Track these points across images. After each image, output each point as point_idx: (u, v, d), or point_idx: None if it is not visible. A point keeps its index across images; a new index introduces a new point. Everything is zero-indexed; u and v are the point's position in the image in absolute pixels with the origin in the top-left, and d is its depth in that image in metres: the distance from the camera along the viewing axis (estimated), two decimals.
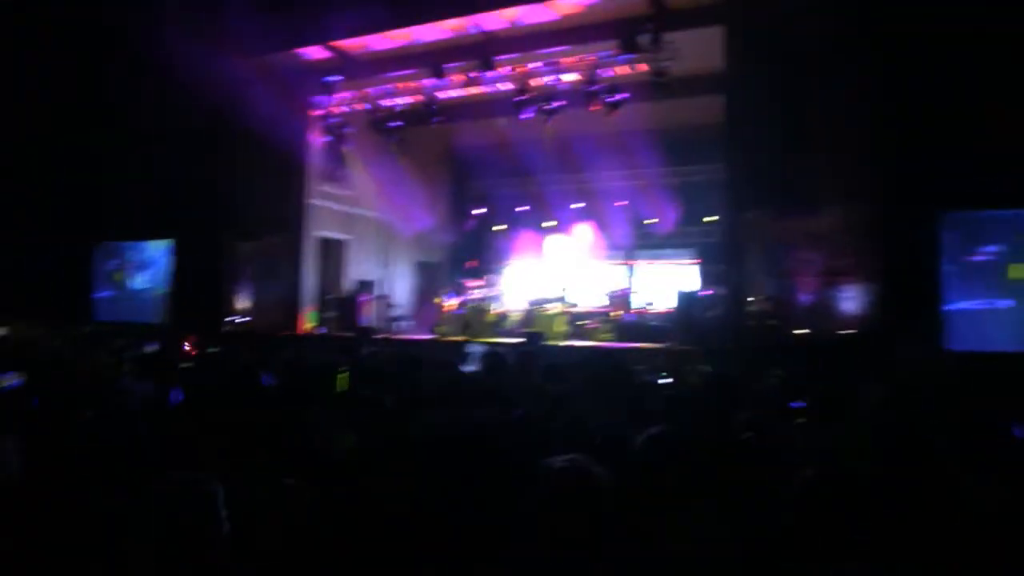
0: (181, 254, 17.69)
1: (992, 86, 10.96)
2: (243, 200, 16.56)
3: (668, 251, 18.76)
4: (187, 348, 10.33)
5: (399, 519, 2.82)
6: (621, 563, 2.23)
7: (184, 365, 7.82)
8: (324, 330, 16.40)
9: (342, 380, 5.89)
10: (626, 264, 18.99)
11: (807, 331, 12.18)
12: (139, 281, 18.55)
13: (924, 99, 11.28)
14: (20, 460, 2.97)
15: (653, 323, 15.28)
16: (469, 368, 8.06)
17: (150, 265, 18.42)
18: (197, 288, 16.90)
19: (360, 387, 5.60)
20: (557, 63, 14.62)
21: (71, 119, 17.01)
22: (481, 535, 2.53)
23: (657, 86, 13.79)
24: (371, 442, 3.86)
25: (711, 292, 15.04)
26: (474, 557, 2.48)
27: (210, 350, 9.64)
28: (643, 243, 18.83)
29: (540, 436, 3.89)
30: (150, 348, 8.47)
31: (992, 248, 11.55)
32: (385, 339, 14.16)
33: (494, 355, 5.72)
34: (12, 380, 5.14)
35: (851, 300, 12.12)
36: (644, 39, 13.36)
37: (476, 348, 10.62)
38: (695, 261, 18.03)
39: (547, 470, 2.27)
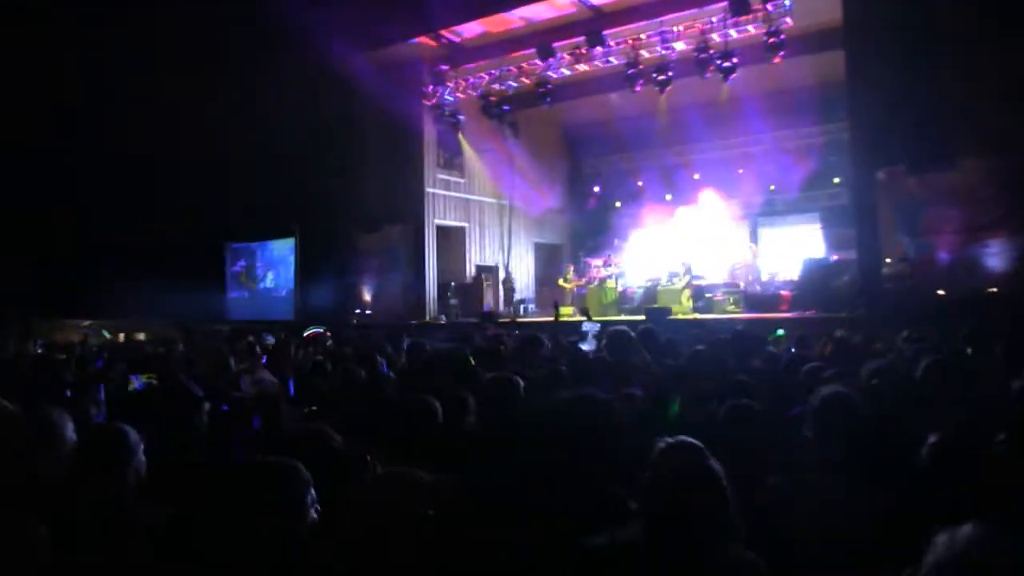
0: (306, 250, 18.25)
1: None
2: (363, 193, 16.94)
3: (793, 217, 18.09)
4: (313, 338, 10.61)
5: (513, 500, 2.78)
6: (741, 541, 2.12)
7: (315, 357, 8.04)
8: (443, 318, 16.59)
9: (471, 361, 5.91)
10: (750, 233, 18.42)
11: (947, 292, 11.53)
12: (269, 279, 19.24)
13: None
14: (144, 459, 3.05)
15: (781, 292, 14.78)
16: (587, 346, 7.99)
17: (278, 263, 19.10)
18: (324, 283, 17.39)
19: (481, 370, 5.62)
20: (667, 32, 14.26)
21: (196, 122, 17.64)
22: (591, 516, 2.46)
23: (772, 46, 13.28)
24: (493, 424, 3.86)
25: (839, 257, 14.47)
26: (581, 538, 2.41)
27: (328, 344, 9.86)
28: (766, 210, 18.24)
29: (656, 414, 3.78)
30: (269, 341, 8.75)
31: None
32: (508, 322, 14.23)
33: (616, 333, 5.61)
34: (138, 383, 5.39)
35: (996, 256, 11.39)
36: None
37: (592, 326, 10.52)
38: (820, 226, 17.32)
39: (654, 453, 2.19)
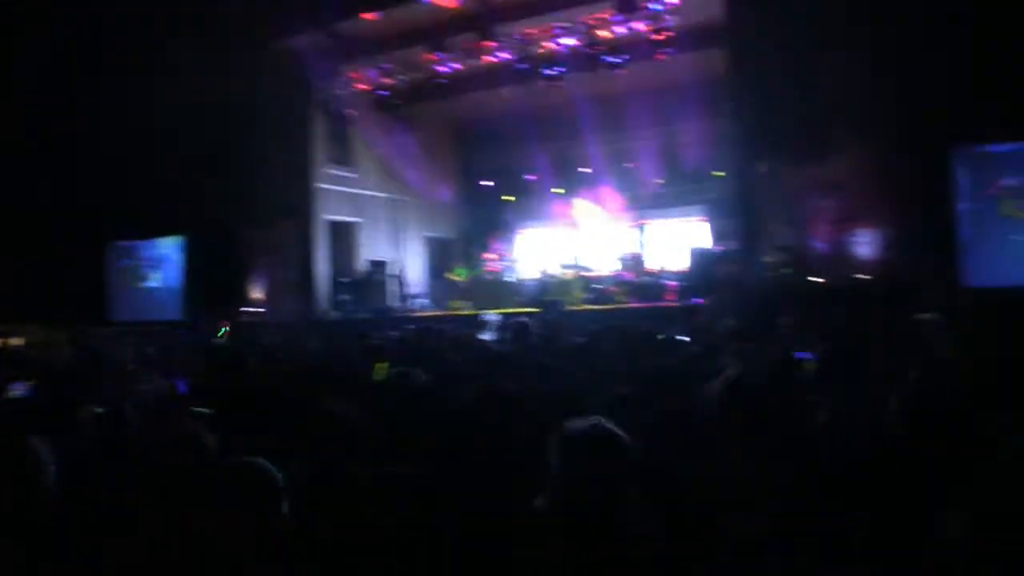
0: (194, 248, 17.75)
1: (996, 14, 10.79)
2: (253, 189, 16.55)
3: (679, 209, 18.62)
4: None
5: (430, 496, 2.84)
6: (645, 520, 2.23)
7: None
8: (336, 315, 16.41)
9: (380, 369, 5.89)
10: (638, 225, 18.88)
11: (823, 279, 12.14)
12: (154, 279, 18.62)
13: (928, 33, 11.13)
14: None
15: (669, 282, 15.25)
16: (486, 336, 8.08)
17: (163, 262, 18.49)
18: (212, 280, 16.95)
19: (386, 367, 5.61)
20: (557, 28, 14.46)
21: (76, 119, 16.96)
22: (513, 505, 2.54)
23: (658, 43, 13.66)
24: (401, 421, 3.88)
25: (724, 247, 15.00)
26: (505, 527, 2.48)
27: (216, 339, 9.66)
28: (653, 203, 18.70)
29: (567, 404, 3.90)
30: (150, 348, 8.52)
31: (1008, 182, 11.46)
32: (401, 318, 14.21)
33: (519, 324, 5.72)
34: (20, 390, 5.16)
35: (866, 245, 12.07)
36: None
37: (492, 317, 10.63)
38: (705, 218, 17.91)
39: (566, 434, 2.26)
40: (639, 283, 15.56)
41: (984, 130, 11.19)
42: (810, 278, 12.31)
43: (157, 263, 18.59)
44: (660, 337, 6.24)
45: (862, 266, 12.07)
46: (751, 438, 2.76)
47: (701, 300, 12.90)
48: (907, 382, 2.92)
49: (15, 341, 15.02)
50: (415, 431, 3.61)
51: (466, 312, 15.52)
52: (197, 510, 2.26)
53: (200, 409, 4.69)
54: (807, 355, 4.38)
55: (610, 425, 2.30)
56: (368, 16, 14.89)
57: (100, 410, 3.94)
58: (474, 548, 2.49)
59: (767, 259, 12.75)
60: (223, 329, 8.43)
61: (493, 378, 4.35)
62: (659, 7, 13.29)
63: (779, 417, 2.93)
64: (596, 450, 2.22)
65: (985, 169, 11.63)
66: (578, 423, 2.32)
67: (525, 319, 5.74)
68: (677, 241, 17.57)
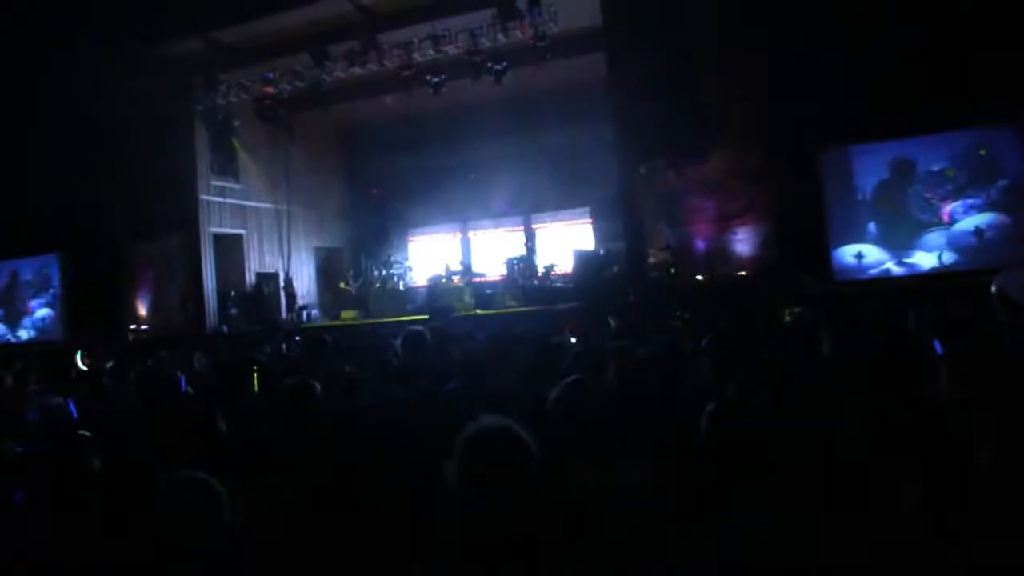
0: (73, 264, 17.06)
1: (860, 15, 11.41)
2: (135, 201, 15.95)
3: (564, 212, 18.92)
4: (84, 361, 9.99)
5: (329, 505, 2.89)
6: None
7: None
8: (225, 329, 16.06)
9: (256, 378, 5.85)
10: (524, 229, 19.12)
11: (705, 277, 12.60)
12: (32, 298, 17.83)
13: (798, 36, 11.69)
14: None
15: (557, 285, 15.49)
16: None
17: (42, 280, 17.72)
18: (94, 298, 16.33)
19: (279, 379, 5.59)
20: (439, 36, 14.53)
21: None
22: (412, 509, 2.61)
23: (539, 50, 13.90)
24: (296, 430, 3.89)
25: (608, 248, 15.33)
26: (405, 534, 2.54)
27: (108, 365, 9.32)
28: (539, 207, 18.94)
29: (461, 409, 3.98)
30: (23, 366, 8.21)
31: (869, 180, 12.19)
32: (292, 329, 14.03)
33: (413, 333, 5.75)
34: None
35: (743, 243, 12.60)
36: (522, 3, 13.44)
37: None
38: (589, 220, 18.28)
39: (467, 434, 2.27)
40: (528, 286, 15.75)
41: (849, 131, 11.87)
42: (694, 276, 12.77)
43: (36, 283, 17.79)
44: (553, 341, 6.38)
45: (741, 263, 12.60)
46: (635, 433, 2.89)
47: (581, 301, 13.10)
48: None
49: None
50: (315, 441, 3.63)
51: (357, 321, 15.46)
52: (138, 525, 2.27)
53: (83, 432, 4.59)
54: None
55: (512, 425, 2.30)
56: (250, 24, 14.66)
57: None
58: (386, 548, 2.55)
59: (651, 259, 13.12)
60: (80, 353, 8.12)
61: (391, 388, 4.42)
62: (538, 14, 13.47)
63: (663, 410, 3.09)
64: (497, 449, 2.22)
65: (851, 167, 12.34)
66: (480, 423, 2.31)
67: (420, 328, 5.78)
68: (565, 243, 17.87)
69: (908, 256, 11.85)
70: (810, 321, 6.41)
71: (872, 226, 12.11)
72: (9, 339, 17.71)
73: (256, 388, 5.60)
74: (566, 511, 2.41)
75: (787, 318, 6.81)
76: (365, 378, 5.11)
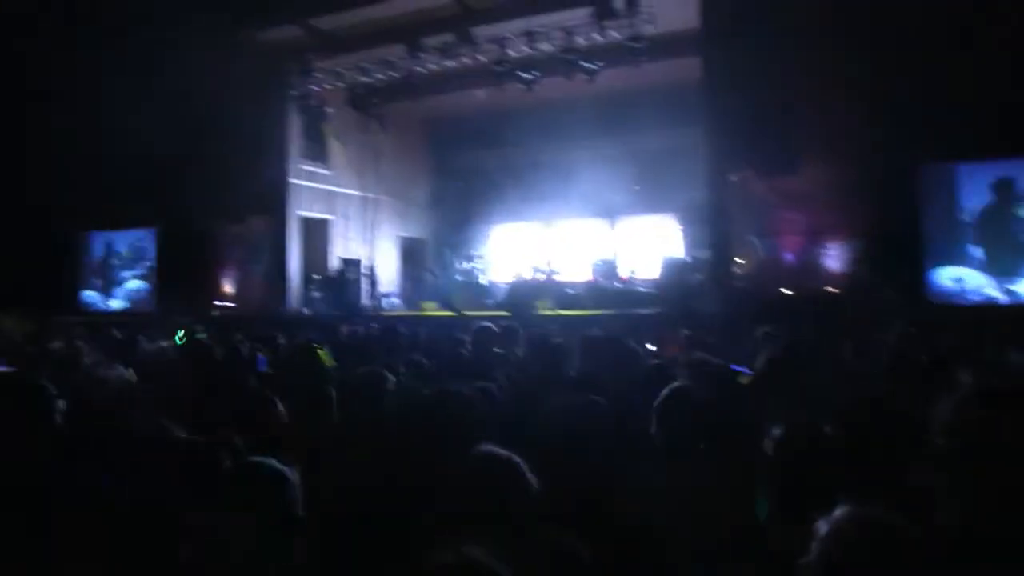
0: (167, 241, 17.65)
1: (970, 34, 10.92)
2: (227, 183, 16.41)
3: (653, 217, 18.67)
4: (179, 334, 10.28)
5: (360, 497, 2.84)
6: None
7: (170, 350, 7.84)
8: (307, 311, 16.34)
9: (324, 356, 5.89)
10: (611, 231, 18.93)
11: (793, 290, 12.23)
12: (128, 270, 18.52)
13: (901, 50, 11.25)
14: None
15: (640, 289, 15.28)
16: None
17: (137, 254, 18.39)
18: (184, 274, 16.84)
19: (343, 364, 5.61)
20: (534, 32, 14.47)
21: (53, 114, 16.79)
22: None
23: (634, 51, 13.69)
24: (359, 419, 3.87)
25: (695, 256, 15.04)
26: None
27: (197, 336, 9.56)
28: (627, 210, 18.74)
29: (523, 407, 3.89)
30: (119, 335, 8.43)
31: (974, 200, 11.61)
32: (371, 316, 14.14)
33: (483, 329, 5.71)
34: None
35: (834, 258, 12.17)
36: (619, 3, 13.26)
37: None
38: (679, 226, 17.98)
39: (468, 458, 2.24)
40: (610, 289, 15.57)
41: (952, 147, 11.34)
42: (780, 289, 12.41)
43: (130, 255, 18.48)
44: (629, 345, 6.25)
45: (831, 279, 12.19)
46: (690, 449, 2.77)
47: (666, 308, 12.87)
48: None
49: None
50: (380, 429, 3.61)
51: (436, 313, 15.50)
52: (208, 511, 2.25)
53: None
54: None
55: (510, 457, 2.27)
56: (347, 13, 14.86)
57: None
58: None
59: (737, 269, 12.82)
60: (180, 332, 8.30)
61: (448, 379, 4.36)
62: (635, 14, 13.26)
63: (721, 429, 2.94)
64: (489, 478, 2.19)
65: (954, 186, 11.78)
66: (482, 449, 2.28)
67: (488, 324, 5.72)
68: (650, 246, 17.61)
69: (1012, 283, 11.22)
70: (907, 344, 6.11)
71: (974, 249, 11.51)
72: (102, 308, 18.40)
73: (328, 372, 5.63)
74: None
75: (887, 336, 6.49)
76: (431, 370, 5.08)
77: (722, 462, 2.82)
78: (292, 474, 2.32)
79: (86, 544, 2.54)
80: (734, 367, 4.42)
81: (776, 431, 2.61)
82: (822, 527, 1.66)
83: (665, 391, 3.10)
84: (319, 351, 5.90)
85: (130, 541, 2.52)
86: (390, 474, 2.96)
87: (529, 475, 2.22)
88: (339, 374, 5.28)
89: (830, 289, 12.06)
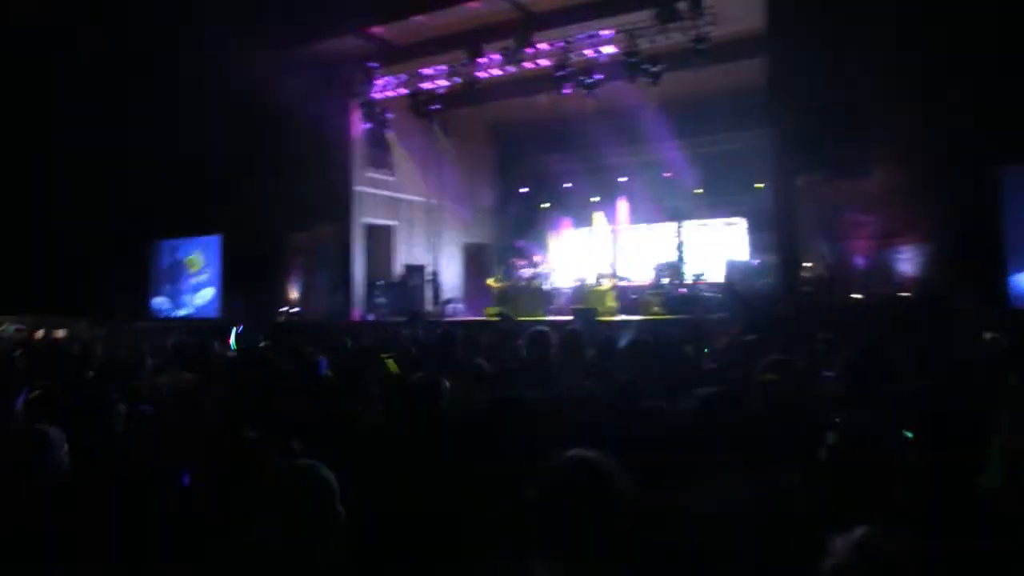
0: (233, 248, 18.00)
1: None
2: (292, 191, 16.70)
3: (717, 220, 18.45)
4: (232, 340, 10.43)
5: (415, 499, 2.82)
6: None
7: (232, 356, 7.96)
8: (372, 317, 16.50)
9: (391, 364, 5.91)
10: (675, 235, 18.70)
11: (862, 295, 11.90)
12: (195, 277, 18.94)
13: (979, 48, 10.86)
14: (67, 453, 3.00)
15: (704, 294, 15.05)
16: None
17: (204, 261, 18.80)
18: (250, 281, 17.15)
19: (404, 369, 5.61)
20: (596, 36, 14.39)
21: (126, 122, 17.26)
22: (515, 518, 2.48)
23: (698, 53, 13.50)
24: (403, 421, 3.87)
25: (761, 260, 14.80)
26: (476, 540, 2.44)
27: (263, 344, 9.70)
28: (691, 213, 18.53)
29: (577, 413, 3.82)
30: (179, 342, 8.57)
31: None
32: (435, 322, 14.19)
33: (537, 333, 5.65)
34: None
35: (907, 262, 11.81)
36: (683, 5, 13.10)
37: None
38: (745, 229, 17.73)
39: (552, 464, 2.16)
40: (674, 294, 15.39)
41: None
42: (851, 294, 12.09)
43: (197, 263, 18.90)
44: (687, 349, 6.15)
45: (903, 283, 11.82)
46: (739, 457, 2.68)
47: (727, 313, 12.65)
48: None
49: (59, 333, 15.36)
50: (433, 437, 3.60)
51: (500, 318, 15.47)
52: (255, 510, 2.28)
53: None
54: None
55: (595, 456, 2.18)
56: (409, 20, 14.99)
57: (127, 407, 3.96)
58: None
59: (804, 274, 12.54)
60: (233, 333, 8.42)
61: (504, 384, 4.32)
62: (698, 16, 13.08)
63: (777, 436, 2.85)
64: (577, 482, 2.10)
65: None
66: (565, 455, 2.20)
67: (545, 328, 5.66)
68: (715, 251, 17.37)
69: None
70: (987, 352, 5.88)
71: None
72: (169, 314, 18.86)
73: (390, 377, 5.66)
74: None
75: (985, 338, 6.25)
76: (489, 375, 5.05)
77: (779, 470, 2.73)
78: (332, 479, 2.32)
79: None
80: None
81: (831, 436, 2.53)
82: (837, 544, 1.60)
83: (701, 396, 3.02)
84: (382, 356, 5.93)
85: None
86: (446, 480, 2.93)
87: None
88: (400, 379, 5.30)
89: (903, 294, 11.70)
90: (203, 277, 18.74)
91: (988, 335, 6.41)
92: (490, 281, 17.86)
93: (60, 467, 2.86)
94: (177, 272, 19.24)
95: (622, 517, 2.06)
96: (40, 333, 15.11)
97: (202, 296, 18.65)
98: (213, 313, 17.86)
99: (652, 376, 4.68)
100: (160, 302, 19.41)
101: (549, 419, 3.42)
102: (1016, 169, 11.29)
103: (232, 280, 17.84)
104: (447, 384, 4.04)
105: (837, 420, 2.82)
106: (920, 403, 3.00)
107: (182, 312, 18.85)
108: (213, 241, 18.49)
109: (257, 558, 2.19)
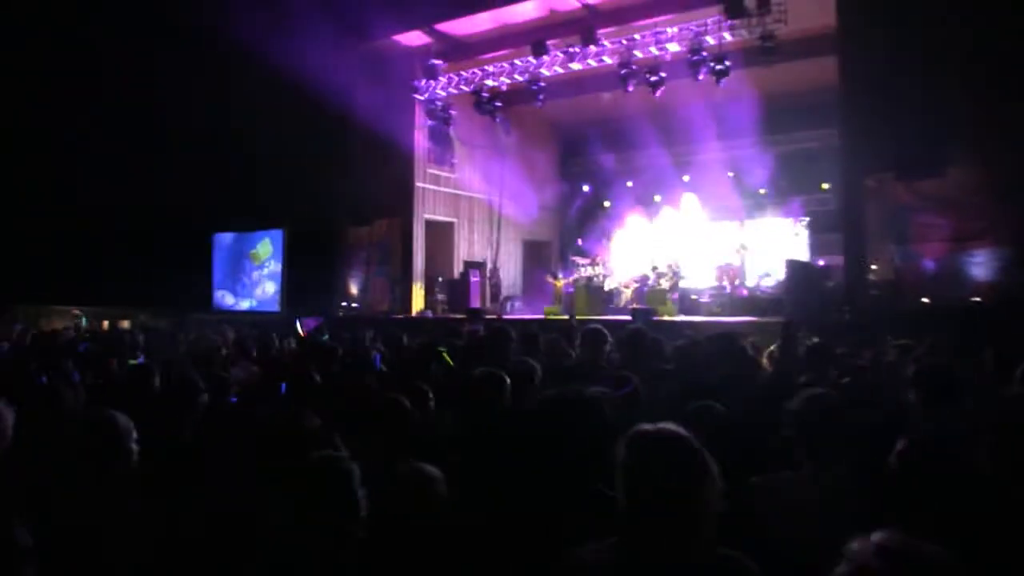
0: (294, 242, 18.26)
1: None
2: (353, 186, 16.89)
3: (781, 221, 18.11)
4: (300, 334, 10.58)
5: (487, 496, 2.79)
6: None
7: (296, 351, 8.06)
8: (429, 313, 16.56)
9: (446, 356, 5.91)
10: (737, 236, 18.42)
11: (932, 300, 11.56)
12: (257, 270, 19.26)
13: None
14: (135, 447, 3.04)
15: (766, 295, 14.80)
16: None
17: (266, 254, 19.10)
18: (311, 275, 17.38)
19: (463, 365, 5.60)
20: (661, 33, 14.24)
21: (190, 120, 17.60)
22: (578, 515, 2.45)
23: (765, 50, 13.26)
24: (469, 419, 3.85)
25: (826, 262, 14.49)
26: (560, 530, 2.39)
27: (324, 337, 9.81)
28: (755, 214, 18.26)
29: (637, 413, 3.77)
30: (250, 335, 8.71)
31: None
32: (494, 319, 14.19)
33: (592, 332, 5.59)
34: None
35: (981, 266, 11.43)
36: (750, 1, 12.89)
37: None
38: (806, 230, 17.41)
39: (630, 436, 2.11)
40: (735, 296, 15.16)
41: None
42: (920, 298, 11.77)
43: (261, 255, 19.22)
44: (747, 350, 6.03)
45: (977, 288, 11.46)
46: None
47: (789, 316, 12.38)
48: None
49: (124, 323, 15.79)
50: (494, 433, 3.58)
51: (559, 318, 15.41)
52: (278, 499, 2.29)
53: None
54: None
55: (679, 429, 2.10)
56: (471, 17, 15.03)
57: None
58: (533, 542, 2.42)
59: (872, 276, 12.24)
60: (298, 325, 8.54)
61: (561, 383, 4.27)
62: (767, 13, 12.86)
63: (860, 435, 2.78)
64: (662, 451, 2.03)
65: None
66: (647, 426, 2.14)
67: (599, 326, 5.60)
68: (778, 251, 17.06)
69: None
70: None
71: None
72: (232, 307, 19.22)
73: (448, 372, 5.66)
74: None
75: None
76: (544, 373, 5.01)
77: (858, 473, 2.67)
78: (355, 471, 2.31)
79: None
80: None
81: (900, 443, 2.44)
82: (853, 547, 1.55)
83: (805, 396, 2.96)
84: (440, 351, 5.93)
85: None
86: (508, 474, 2.91)
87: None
88: (458, 374, 5.30)
89: (975, 299, 11.34)
90: (265, 271, 19.04)
91: None
92: (554, 280, 17.82)
93: (128, 457, 2.90)
94: (240, 265, 19.58)
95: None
96: (106, 324, 15.56)
97: (263, 289, 18.94)
98: (274, 307, 18.14)
99: (712, 377, 4.59)
100: (223, 295, 19.78)
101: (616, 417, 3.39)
102: None
103: (293, 274, 18.10)
104: (508, 380, 4.03)
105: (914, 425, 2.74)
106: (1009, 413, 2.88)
107: (244, 305, 19.17)
108: (277, 235, 18.77)
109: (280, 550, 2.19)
